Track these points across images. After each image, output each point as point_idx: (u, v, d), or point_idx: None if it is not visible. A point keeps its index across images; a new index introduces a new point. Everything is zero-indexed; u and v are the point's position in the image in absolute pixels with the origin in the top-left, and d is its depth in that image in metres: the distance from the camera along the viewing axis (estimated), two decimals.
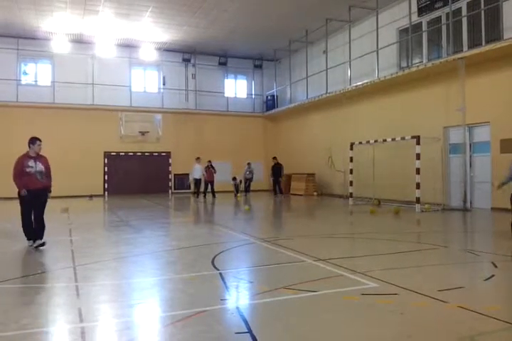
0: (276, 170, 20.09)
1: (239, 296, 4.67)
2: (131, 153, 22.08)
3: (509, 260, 6.17)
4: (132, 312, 4.17)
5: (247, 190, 20.70)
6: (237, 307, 4.19)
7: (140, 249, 7.48)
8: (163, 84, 22.85)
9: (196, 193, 19.91)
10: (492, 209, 12.55)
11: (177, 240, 8.38)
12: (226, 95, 24.36)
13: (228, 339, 3.49)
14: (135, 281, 5.34)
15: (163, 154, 22.71)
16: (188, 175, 20.91)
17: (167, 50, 22.53)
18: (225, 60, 23.85)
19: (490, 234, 9.60)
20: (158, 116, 22.15)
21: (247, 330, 3.55)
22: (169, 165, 22.74)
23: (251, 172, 20.78)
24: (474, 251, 6.92)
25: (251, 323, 3.72)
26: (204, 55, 23.42)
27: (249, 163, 20.79)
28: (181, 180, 22.82)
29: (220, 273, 5.46)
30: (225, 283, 5.04)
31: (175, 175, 22.84)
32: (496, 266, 5.75)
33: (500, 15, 11.91)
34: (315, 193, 19.98)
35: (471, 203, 13.23)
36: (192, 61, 23.33)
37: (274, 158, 20.49)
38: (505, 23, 11.83)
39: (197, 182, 19.89)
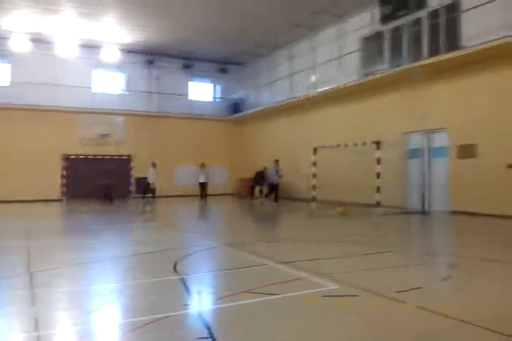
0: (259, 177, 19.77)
1: (201, 301, 4.62)
2: (91, 156, 21.50)
3: (465, 261, 6.37)
4: (91, 319, 4.05)
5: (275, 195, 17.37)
6: (199, 313, 4.15)
7: (100, 254, 7.29)
8: (126, 86, 22.46)
9: (149, 197, 19.72)
10: (450, 212, 12.97)
11: (138, 245, 8.22)
12: (190, 98, 24.20)
13: None
14: (94, 288, 5.19)
15: (124, 157, 22.27)
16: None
17: (131, 51, 22.19)
18: (189, 62, 23.70)
19: (447, 236, 9.92)
20: (120, 119, 21.75)
21: (208, 335, 3.51)
22: (131, 168, 22.30)
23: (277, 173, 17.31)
24: (432, 253, 7.12)
25: (213, 328, 3.68)
26: (168, 57, 23.21)
27: (276, 161, 17.77)
28: (143, 184, 22.43)
29: (182, 279, 5.39)
30: (186, 288, 4.98)
31: (136, 178, 22.41)
32: (452, 267, 5.94)
33: (458, 25, 12.38)
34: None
35: (429, 206, 13.63)
36: (156, 63, 23.08)
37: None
38: (464, 32, 12.29)
39: (149, 186, 19.63)
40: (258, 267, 6.04)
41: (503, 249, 7.41)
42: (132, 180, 22.34)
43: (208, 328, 3.68)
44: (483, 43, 11.25)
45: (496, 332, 3.48)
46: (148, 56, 22.80)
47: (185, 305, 4.40)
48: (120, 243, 8.77)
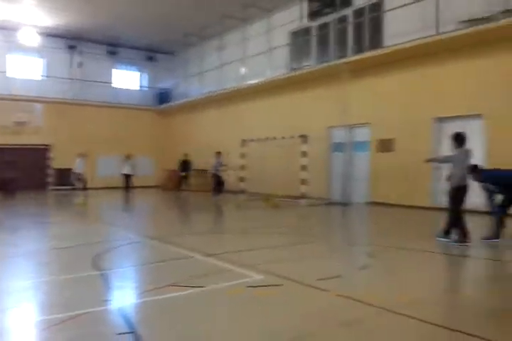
0: (185, 165, 19.67)
1: (123, 296, 4.48)
2: (4, 146, 19.93)
3: (382, 250, 6.71)
4: (5, 317, 3.80)
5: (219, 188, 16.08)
6: (121, 308, 4.01)
7: (14, 249, 6.82)
8: (45, 72, 21.15)
9: (77, 189, 18.80)
10: (369, 203, 13.62)
11: (56, 240, 7.78)
12: (115, 86, 23.28)
13: (110, 340, 3.32)
14: (9, 284, 4.84)
15: (43, 147, 20.96)
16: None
17: (51, 35, 20.89)
18: (114, 49, 22.77)
19: (365, 226, 10.40)
20: (39, 106, 20.45)
21: (130, 330, 3.41)
22: (49, 159, 21.03)
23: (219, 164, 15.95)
24: (352, 242, 7.43)
25: (135, 323, 3.59)
26: (92, 42, 22.12)
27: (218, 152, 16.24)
28: (63, 175, 21.30)
29: (103, 274, 5.18)
30: (107, 283, 4.80)
31: (55, 169, 21.23)
32: (370, 256, 6.22)
33: (381, 24, 12.91)
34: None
35: (350, 198, 14.21)
36: (78, 48, 21.92)
37: (185, 154, 19.80)
38: (386, 31, 12.85)
39: (77, 176, 18.64)
40: (183, 260, 5.97)
41: (416, 238, 7.89)
42: (51, 171, 21.08)
43: (130, 323, 3.57)
44: (402, 43, 11.84)
45: (414, 318, 3.68)
46: (70, 41, 21.59)
47: (105, 300, 4.23)
48: (37, 238, 8.27)
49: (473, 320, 3.79)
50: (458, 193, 7.03)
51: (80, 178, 18.47)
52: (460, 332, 3.38)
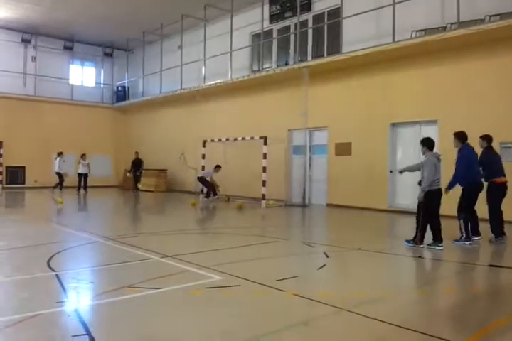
0: (137, 164, 19.43)
1: (77, 298, 4.37)
2: None
3: (338, 250, 6.87)
4: None
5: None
6: (75, 310, 3.92)
7: None
8: None
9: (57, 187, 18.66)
10: (327, 205, 13.88)
11: (7, 240, 7.49)
12: (71, 82, 22.60)
13: None
14: None
15: None
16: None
17: (3, 27, 20.04)
18: (71, 44, 22.08)
19: (324, 227, 10.60)
20: None
21: (85, 332, 3.34)
22: (0, 156, 20.12)
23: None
24: (310, 243, 7.55)
25: (90, 325, 3.52)
26: (47, 37, 21.38)
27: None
28: (15, 173, 20.49)
29: (57, 275, 5.04)
30: (62, 284, 4.67)
31: (7, 167, 20.38)
32: (327, 256, 6.36)
33: (340, 31, 13.18)
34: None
35: (309, 199, 14.43)
36: (33, 42, 21.14)
37: (136, 152, 19.83)
38: (345, 37, 13.14)
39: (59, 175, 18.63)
40: (141, 261, 5.89)
41: (373, 239, 8.12)
42: (1, 169, 20.19)
43: (85, 325, 3.50)
44: (360, 49, 12.14)
45: (368, 317, 3.80)
46: (24, 34, 20.80)
47: (59, 302, 4.12)
48: None
49: (426, 318, 3.94)
50: (431, 197, 6.94)
51: (61, 176, 18.51)
52: (412, 330, 3.52)
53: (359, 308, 3.99)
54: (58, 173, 18.62)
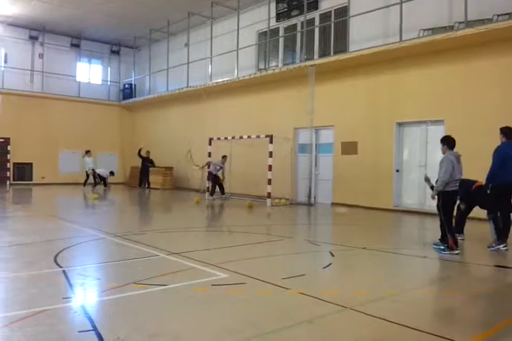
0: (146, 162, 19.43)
1: (84, 294, 4.41)
2: None
3: (344, 249, 6.87)
4: None
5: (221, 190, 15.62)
6: (82, 305, 3.96)
7: None
8: (5, 62, 20.40)
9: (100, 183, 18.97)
10: (332, 204, 13.87)
11: (15, 236, 7.57)
12: (78, 80, 22.70)
13: (71, 338, 3.28)
14: None
15: (1, 140, 20.17)
16: None
17: (11, 24, 20.16)
18: (78, 41, 22.19)
19: (329, 226, 10.60)
20: None
21: (92, 328, 3.38)
22: (8, 152, 20.29)
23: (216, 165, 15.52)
24: (315, 242, 7.56)
25: (96, 321, 3.55)
26: (55, 34, 21.48)
27: (224, 157, 15.76)
28: (23, 170, 20.62)
29: (64, 271, 5.09)
30: (68, 280, 4.71)
31: (15, 164, 20.53)
32: (333, 255, 6.36)
33: (347, 29, 13.16)
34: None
35: (315, 198, 14.42)
36: (40, 39, 21.24)
37: (146, 151, 19.58)
38: (352, 36, 13.11)
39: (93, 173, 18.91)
40: (147, 258, 5.92)
41: (378, 238, 8.12)
42: (9, 165, 20.33)
43: (91, 321, 3.54)
44: (367, 48, 12.10)
45: (369, 314, 3.81)
46: (32, 31, 20.90)
47: (66, 298, 4.16)
48: None
49: (431, 318, 3.95)
50: (446, 198, 6.58)
51: (94, 175, 18.73)
52: (417, 330, 3.52)
53: (364, 307, 4.00)
54: (93, 171, 18.84)
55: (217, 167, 15.37)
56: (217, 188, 15.39)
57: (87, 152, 19.09)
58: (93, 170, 18.79)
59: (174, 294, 4.38)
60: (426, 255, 6.53)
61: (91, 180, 18.91)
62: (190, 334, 3.41)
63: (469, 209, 7.59)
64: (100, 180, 18.92)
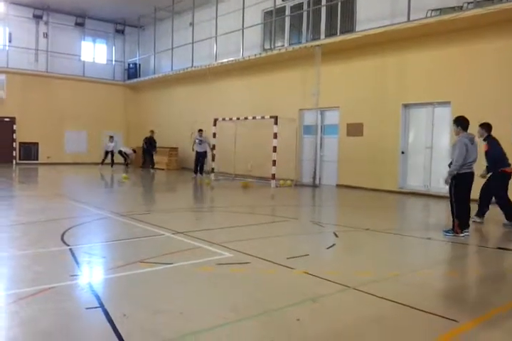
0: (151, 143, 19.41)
1: (91, 272, 4.48)
2: None
3: (348, 230, 6.91)
4: None
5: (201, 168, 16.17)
6: (89, 283, 4.02)
7: None
8: (9, 41, 20.26)
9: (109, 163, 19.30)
10: (337, 185, 13.88)
11: (22, 215, 7.66)
12: (83, 59, 22.55)
13: (78, 314, 3.34)
14: None
15: (7, 119, 20.25)
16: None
17: (15, 3, 19.94)
18: (82, 20, 21.97)
19: (334, 208, 10.64)
20: (2, 77, 19.64)
21: (99, 305, 3.44)
22: (13, 132, 20.35)
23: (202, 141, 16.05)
24: (320, 223, 7.60)
25: (103, 298, 3.61)
26: (59, 13, 21.28)
27: (200, 131, 16.26)
28: (29, 149, 20.69)
29: (71, 249, 5.16)
30: (75, 258, 4.78)
31: (20, 143, 20.61)
32: (337, 236, 6.40)
33: (354, 9, 12.92)
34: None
35: (319, 180, 14.43)
36: (44, 18, 21.04)
37: (150, 130, 19.43)
38: (359, 16, 12.88)
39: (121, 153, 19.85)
40: (153, 237, 5.98)
41: (381, 219, 8.14)
42: (15, 145, 20.41)
43: (98, 298, 3.59)
44: (373, 28, 11.90)
45: (371, 294, 3.85)
46: (36, 10, 20.68)
47: (73, 275, 4.23)
48: (3, 212, 8.07)
49: (433, 298, 3.98)
50: (460, 181, 6.37)
51: (121, 153, 19.67)
52: (419, 309, 3.56)
53: (367, 287, 4.04)
54: (120, 152, 19.69)
55: (196, 140, 15.76)
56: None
57: (111, 137, 19.42)
58: (120, 150, 19.68)
59: (179, 272, 4.43)
60: (430, 236, 6.55)
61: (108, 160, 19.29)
62: (195, 311, 3.46)
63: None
64: (125, 157, 19.85)
